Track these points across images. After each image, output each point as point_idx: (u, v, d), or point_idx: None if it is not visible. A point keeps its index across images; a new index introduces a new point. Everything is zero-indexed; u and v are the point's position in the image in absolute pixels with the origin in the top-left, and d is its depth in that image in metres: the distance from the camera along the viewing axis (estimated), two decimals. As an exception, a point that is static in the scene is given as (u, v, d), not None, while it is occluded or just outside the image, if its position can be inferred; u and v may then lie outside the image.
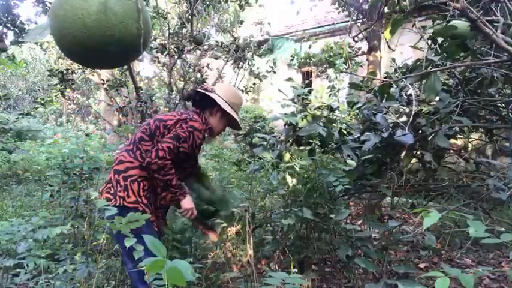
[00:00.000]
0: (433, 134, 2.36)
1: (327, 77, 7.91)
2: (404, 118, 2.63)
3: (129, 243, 1.48)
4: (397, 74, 2.64)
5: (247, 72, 6.06)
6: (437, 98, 2.38)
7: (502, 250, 3.44)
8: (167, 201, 2.17)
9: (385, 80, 2.45)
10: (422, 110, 2.58)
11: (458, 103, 2.33)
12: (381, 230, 2.68)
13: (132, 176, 1.98)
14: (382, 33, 5.15)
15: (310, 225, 2.43)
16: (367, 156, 2.48)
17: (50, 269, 2.32)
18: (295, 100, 2.67)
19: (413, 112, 2.25)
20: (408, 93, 2.63)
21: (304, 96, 2.65)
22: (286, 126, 2.59)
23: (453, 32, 1.97)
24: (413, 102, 2.22)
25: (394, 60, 2.73)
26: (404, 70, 2.59)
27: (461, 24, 1.98)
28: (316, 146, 2.54)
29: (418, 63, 2.36)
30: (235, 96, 2.30)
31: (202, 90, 2.24)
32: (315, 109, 2.67)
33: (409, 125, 2.13)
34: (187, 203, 2.14)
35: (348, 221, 3.25)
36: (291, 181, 2.30)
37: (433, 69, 2.05)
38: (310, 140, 2.49)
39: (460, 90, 2.64)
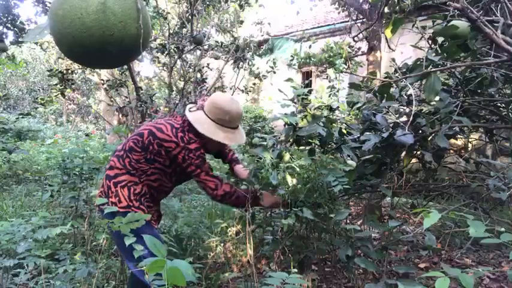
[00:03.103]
0: (433, 134, 2.36)
1: (327, 77, 7.91)
2: (404, 118, 2.63)
3: (128, 242, 1.48)
4: (397, 74, 2.64)
5: (247, 72, 6.05)
6: (437, 98, 2.38)
7: (502, 250, 3.44)
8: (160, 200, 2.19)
9: (385, 80, 2.45)
10: (422, 110, 2.58)
11: (458, 103, 2.33)
12: (381, 230, 2.68)
13: (121, 182, 1.97)
14: (383, 33, 5.15)
15: (310, 225, 2.43)
16: (367, 156, 2.48)
17: (50, 269, 2.32)
18: (295, 100, 2.67)
19: (413, 112, 2.25)
20: (408, 93, 2.63)
21: (304, 96, 2.64)
22: (286, 126, 2.58)
23: (454, 32, 1.97)
24: (413, 102, 2.22)
25: (394, 60, 2.73)
26: (404, 70, 2.59)
27: (461, 24, 1.98)
28: (316, 146, 2.54)
29: (418, 63, 2.36)
30: (222, 110, 2.02)
31: (188, 111, 2.05)
32: (315, 109, 2.67)
33: (409, 125, 2.13)
34: (267, 202, 2.13)
35: (348, 221, 3.26)
36: (291, 181, 2.30)
37: (433, 69, 2.04)
38: (310, 140, 2.49)
39: (460, 90, 2.63)
